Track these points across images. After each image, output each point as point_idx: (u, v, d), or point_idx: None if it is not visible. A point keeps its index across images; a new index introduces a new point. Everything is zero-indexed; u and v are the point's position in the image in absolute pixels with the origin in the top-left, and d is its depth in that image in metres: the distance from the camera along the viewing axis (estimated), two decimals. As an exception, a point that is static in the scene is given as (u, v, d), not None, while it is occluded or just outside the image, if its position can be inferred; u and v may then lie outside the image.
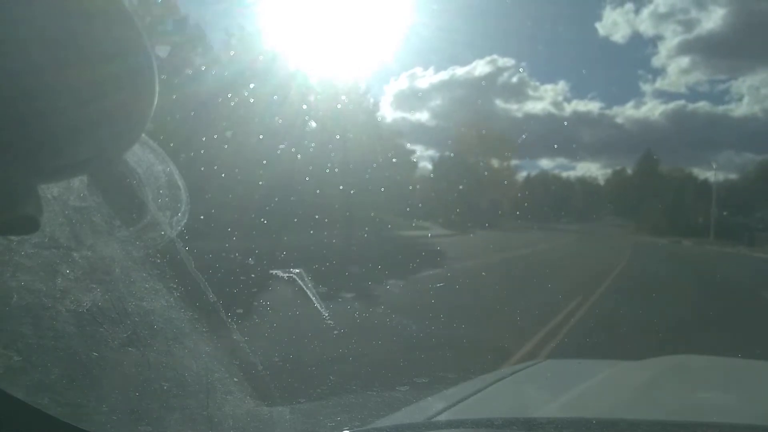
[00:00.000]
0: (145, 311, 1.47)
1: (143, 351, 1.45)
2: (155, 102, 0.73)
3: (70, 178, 0.93)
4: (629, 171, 60.49)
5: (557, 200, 55.08)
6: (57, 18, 0.61)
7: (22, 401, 1.02)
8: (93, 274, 1.29)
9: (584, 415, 1.61)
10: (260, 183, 16.43)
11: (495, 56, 60.69)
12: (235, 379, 1.78)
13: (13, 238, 1.04)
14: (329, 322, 5.44)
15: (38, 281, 1.19)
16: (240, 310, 6.62)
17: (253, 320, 6.58)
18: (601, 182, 62.93)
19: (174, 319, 1.59)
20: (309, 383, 4.20)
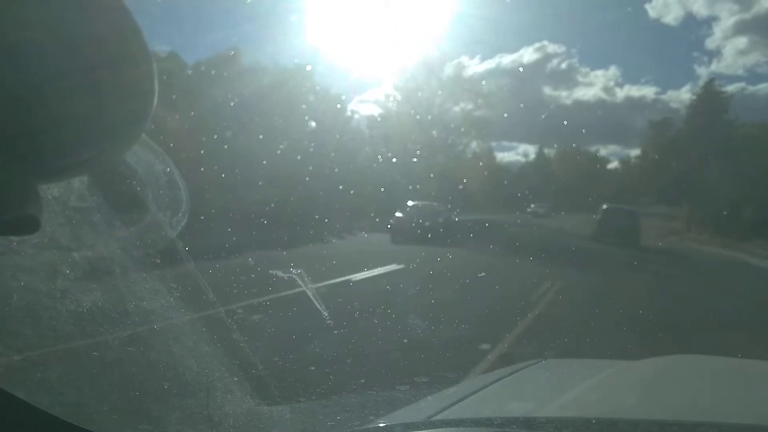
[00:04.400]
0: (145, 311, 1.47)
1: (143, 351, 1.45)
2: (155, 102, 0.73)
3: (70, 179, 0.93)
4: (680, 123, 36.05)
5: (565, 185, 41.82)
6: (57, 19, 0.61)
7: (23, 401, 1.02)
8: (93, 274, 1.29)
9: (584, 415, 1.61)
10: (260, 183, 16.46)
11: (545, 42, 58.39)
12: (235, 379, 1.79)
13: (13, 238, 1.04)
14: (329, 321, 5.44)
15: (38, 281, 1.19)
16: (240, 310, 6.62)
17: (253, 320, 6.58)
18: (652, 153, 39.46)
19: (174, 319, 1.59)
20: (309, 383, 4.20)
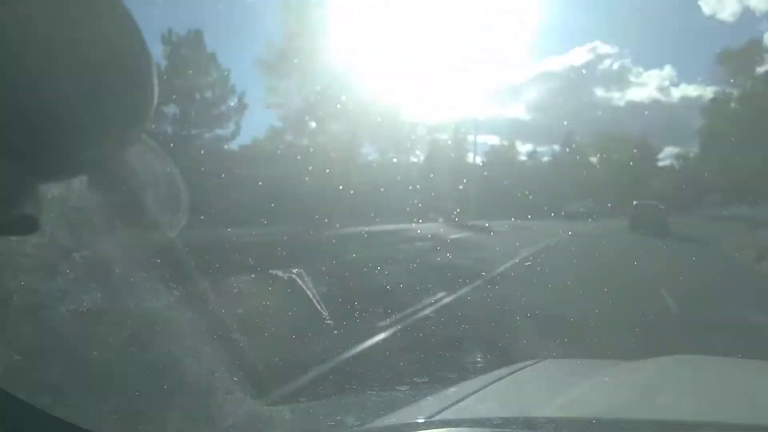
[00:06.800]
0: (145, 311, 1.47)
1: (143, 351, 1.45)
2: (155, 102, 0.73)
3: (70, 178, 0.93)
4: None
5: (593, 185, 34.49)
6: (57, 19, 0.61)
7: (23, 401, 1.02)
8: (93, 274, 1.29)
9: (584, 415, 1.61)
10: (260, 183, 16.47)
11: (597, 42, 55.91)
12: (235, 379, 1.79)
13: (13, 238, 1.04)
14: (329, 321, 5.44)
15: (38, 281, 1.19)
16: (240, 310, 6.60)
17: (253, 320, 6.57)
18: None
19: (174, 319, 1.59)
20: (310, 383, 4.20)
